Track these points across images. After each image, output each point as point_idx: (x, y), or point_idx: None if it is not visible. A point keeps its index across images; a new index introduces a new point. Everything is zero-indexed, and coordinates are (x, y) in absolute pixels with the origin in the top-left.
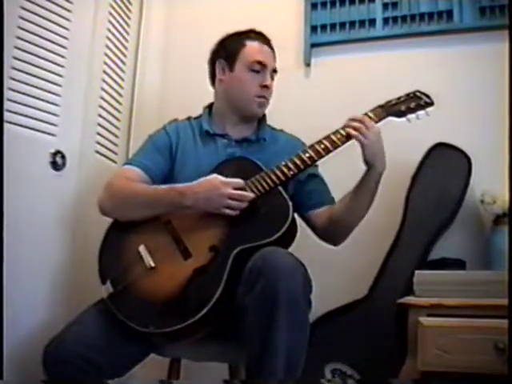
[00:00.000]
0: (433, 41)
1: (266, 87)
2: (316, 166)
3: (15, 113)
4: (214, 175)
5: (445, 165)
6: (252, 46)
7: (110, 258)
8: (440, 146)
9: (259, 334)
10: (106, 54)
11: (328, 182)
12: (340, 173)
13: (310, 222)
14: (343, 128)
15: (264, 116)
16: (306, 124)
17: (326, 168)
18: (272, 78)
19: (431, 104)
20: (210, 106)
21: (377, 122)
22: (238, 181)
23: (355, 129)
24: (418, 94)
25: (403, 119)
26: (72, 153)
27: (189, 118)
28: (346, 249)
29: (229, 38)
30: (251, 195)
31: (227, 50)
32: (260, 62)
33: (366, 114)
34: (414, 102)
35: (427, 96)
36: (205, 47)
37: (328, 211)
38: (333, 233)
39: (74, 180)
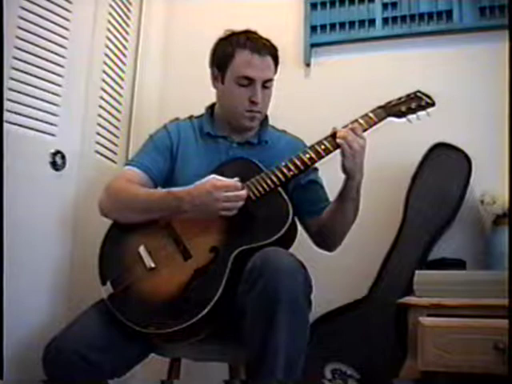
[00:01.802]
0: (433, 41)
1: (254, 103)
2: (316, 170)
3: (15, 113)
4: (211, 176)
5: (445, 165)
6: (241, 58)
7: (110, 259)
8: (440, 146)
9: (259, 334)
10: (106, 54)
11: (328, 182)
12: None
13: (306, 228)
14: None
15: (266, 118)
16: (305, 124)
17: (327, 168)
18: (266, 88)
19: (432, 105)
20: (212, 107)
21: (377, 123)
22: (232, 181)
23: (342, 137)
24: (418, 94)
25: (403, 120)
26: (72, 153)
27: (190, 118)
28: (346, 249)
29: (220, 44)
30: (245, 193)
31: (218, 60)
32: (247, 77)
33: (366, 115)
34: (414, 103)
35: (428, 96)
36: (204, 47)
37: (319, 220)
38: (324, 240)
39: (74, 180)
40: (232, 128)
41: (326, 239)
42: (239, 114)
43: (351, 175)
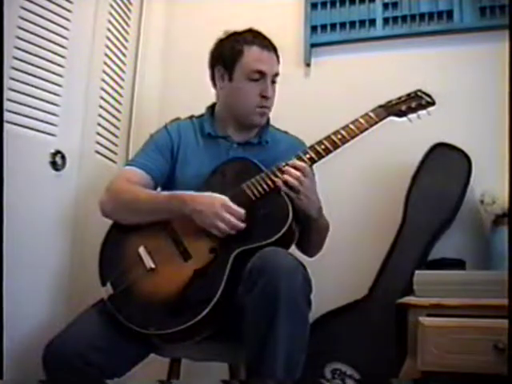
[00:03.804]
0: (433, 41)
1: (266, 97)
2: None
3: (15, 113)
4: (222, 196)
5: (445, 165)
6: (250, 54)
7: (110, 260)
8: (440, 146)
9: (259, 334)
10: (106, 54)
11: (329, 180)
12: (341, 171)
13: None
14: (343, 128)
15: (267, 118)
16: (305, 124)
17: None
18: (274, 82)
19: (432, 104)
20: (212, 106)
21: (377, 122)
22: (238, 209)
23: (292, 184)
24: (419, 93)
25: (404, 119)
26: (72, 153)
27: (191, 117)
28: (345, 249)
29: (225, 42)
30: (243, 226)
31: (225, 58)
32: (259, 71)
33: (366, 114)
34: (415, 102)
35: (428, 95)
36: (205, 47)
37: None
38: (300, 247)
39: (74, 180)
40: (238, 126)
41: (303, 248)
42: (250, 110)
43: (306, 213)
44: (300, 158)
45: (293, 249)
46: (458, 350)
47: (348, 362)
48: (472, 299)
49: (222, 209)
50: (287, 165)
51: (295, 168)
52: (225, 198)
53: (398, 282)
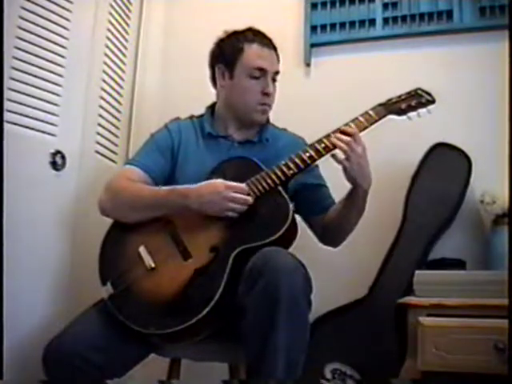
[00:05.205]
0: (433, 41)
1: (267, 94)
2: (316, 166)
3: (15, 113)
4: (220, 180)
5: (445, 165)
6: (251, 51)
7: (110, 259)
8: (440, 146)
9: (259, 334)
10: (106, 54)
11: (329, 180)
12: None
13: (311, 225)
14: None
15: (267, 117)
16: (305, 124)
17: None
18: (274, 80)
19: (432, 102)
20: (212, 106)
21: (377, 121)
22: (241, 185)
23: (342, 150)
24: (419, 91)
25: (404, 117)
26: (72, 153)
27: (191, 117)
28: (346, 249)
29: (226, 41)
30: (251, 199)
31: (225, 56)
32: (260, 68)
33: (366, 113)
34: (414, 100)
35: (428, 94)
36: (205, 47)
37: (323, 217)
38: (328, 237)
39: (74, 180)
40: (239, 125)
41: (331, 237)
42: (251, 108)
43: (358, 184)
44: (300, 157)
45: (294, 249)
46: (457, 350)
47: (348, 362)
48: (472, 299)
49: (227, 191)
50: (337, 130)
51: (345, 134)
52: (222, 181)
53: (398, 281)
